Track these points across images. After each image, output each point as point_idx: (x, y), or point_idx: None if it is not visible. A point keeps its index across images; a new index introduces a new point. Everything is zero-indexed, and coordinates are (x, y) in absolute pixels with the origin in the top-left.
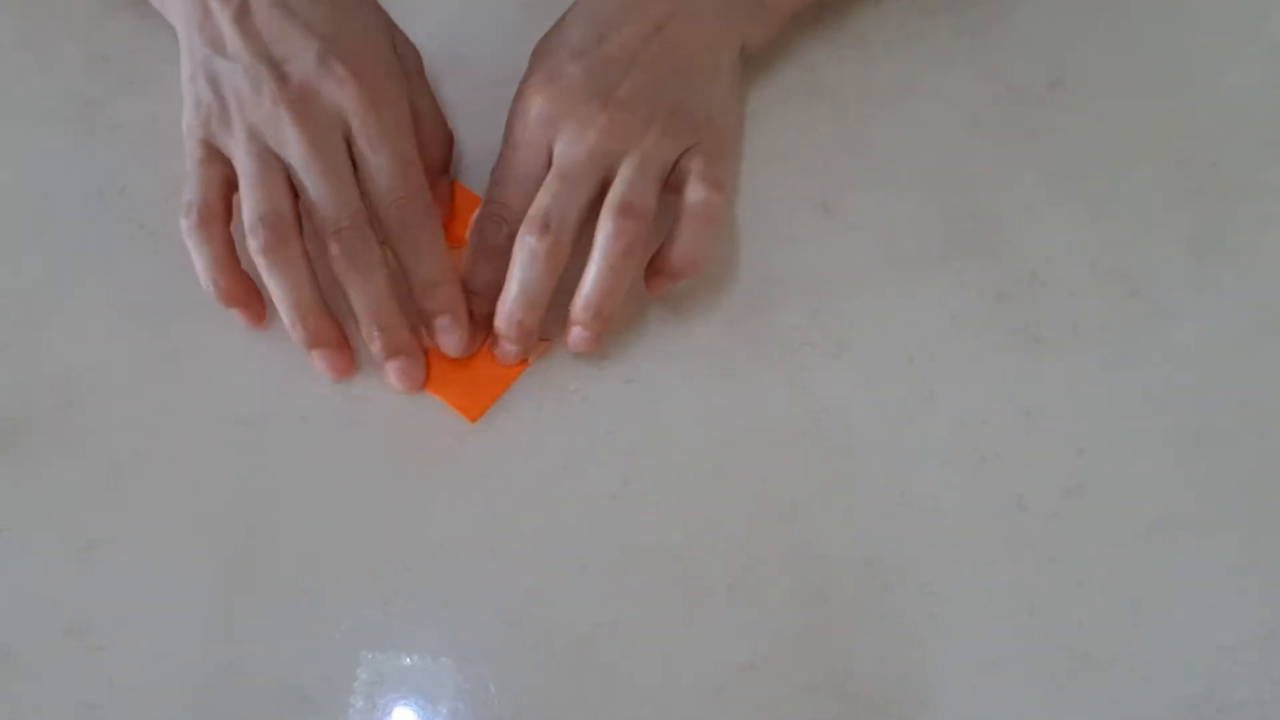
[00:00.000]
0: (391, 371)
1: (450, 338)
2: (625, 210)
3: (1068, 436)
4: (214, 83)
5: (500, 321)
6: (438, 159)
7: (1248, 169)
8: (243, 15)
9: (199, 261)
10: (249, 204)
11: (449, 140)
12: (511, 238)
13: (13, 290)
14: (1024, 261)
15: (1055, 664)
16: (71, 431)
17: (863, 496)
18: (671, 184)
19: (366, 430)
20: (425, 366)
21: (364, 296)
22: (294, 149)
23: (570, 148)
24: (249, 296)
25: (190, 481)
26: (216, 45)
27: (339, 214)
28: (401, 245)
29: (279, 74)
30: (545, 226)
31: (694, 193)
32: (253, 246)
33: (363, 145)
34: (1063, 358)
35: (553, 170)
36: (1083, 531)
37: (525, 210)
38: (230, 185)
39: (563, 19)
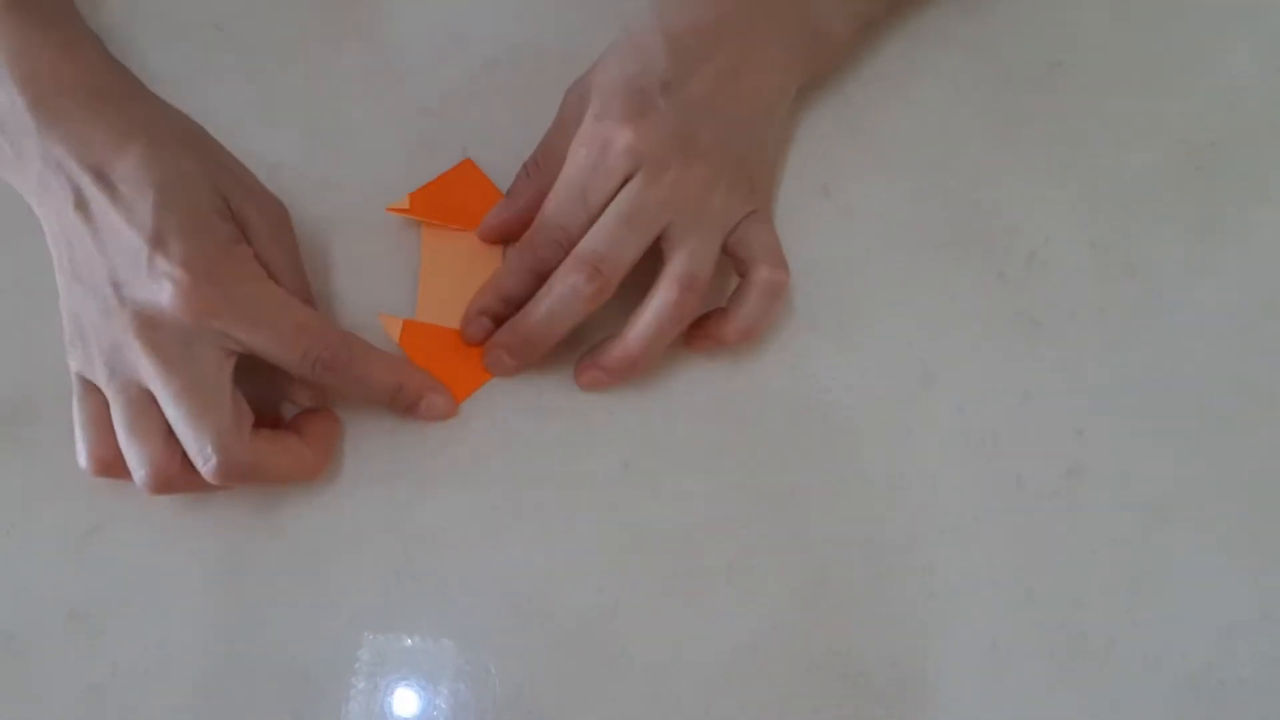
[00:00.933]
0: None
1: (437, 409)
2: (689, 283)
3: (1067, 418)
4: (75, 319)
5: (513, 336)
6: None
7: (1247, 150)
8: (80, 208)
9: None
10: (124, 451)
11: (306, 292)
12: (560, 262)
13: (12, 277)
14: (1023, 243)
15: (1054, 644)
16: (71, 418)
17: (862, 478)
18: (729, 248)
19: (367, 413)
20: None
21: (279, 477)
22: (150, 377)
23: (644, 191)
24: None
25: None
26: (74, 271)
27: (200, 441)
28: (344, 387)
29: (120, 302)
30: (596, 271)
31: (762, 272)
32: (143, 490)
33: (236, 337)
34: (1062, 339)
35: (616, 210)
36: (1082, 512)
37: (581, 236)
38: (110, 419)
39: (637, 37)
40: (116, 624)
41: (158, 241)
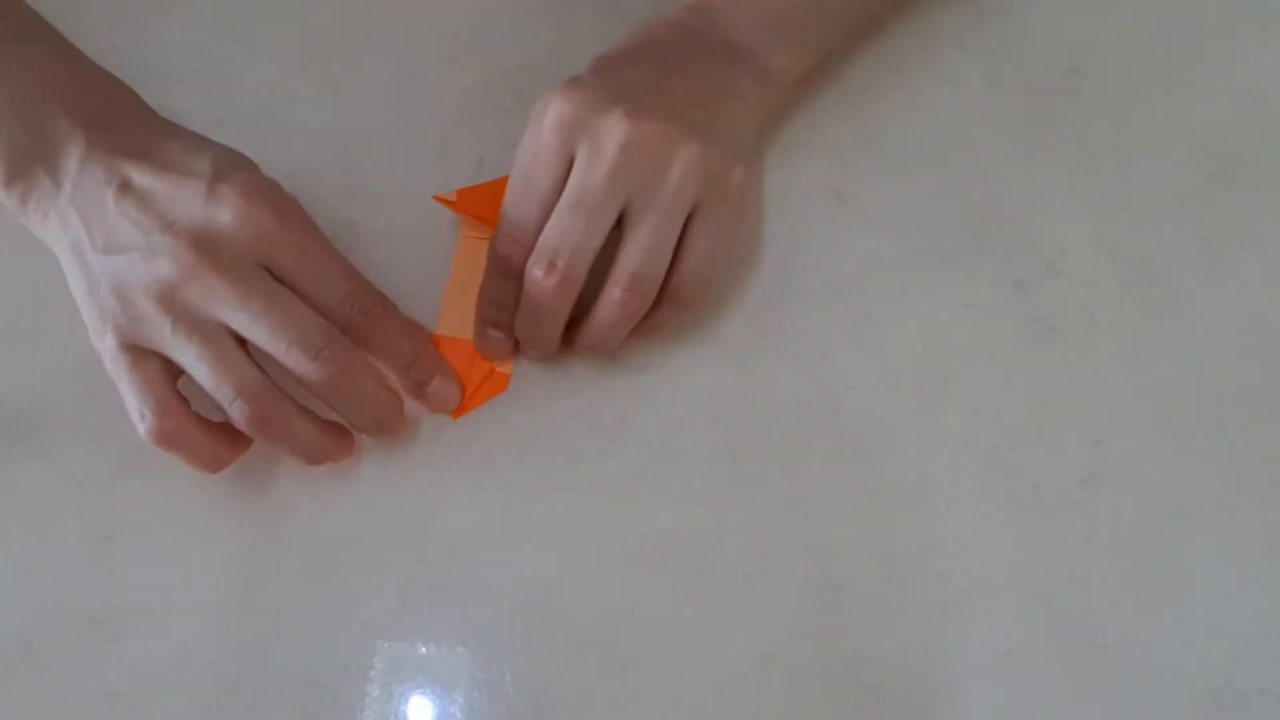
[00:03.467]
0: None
1: (443, 398)
2: (633, 284)
3: (1084, 426)
4: (117, 286)
5: (518, 331)
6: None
7: (1267, 157)
8: (124, 191)
9: (184, 461)
10: (209, 386)
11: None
12: (526, 259)
13: (31, 281)
14: (1040, 250)
15: (1072, 653)
16: (90, 422)
17: (878, 486)
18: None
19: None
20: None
21: (364, 399)
22: (221, 301)
23: (588, 168)
24: (249, 445)
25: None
26: (109, 244)
27: (303, 340)
28: (370, 339)
29: (174, 236)
30: (552, 266)
31: (678, 289)
32: (239, 424)
33: (287, 264)
34: (1079, 347)
35: (566, 195)
36: (1099, 521)
37: (540, 226)
38: (172, 374)
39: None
40: (134, 629)
41: (218, 177)
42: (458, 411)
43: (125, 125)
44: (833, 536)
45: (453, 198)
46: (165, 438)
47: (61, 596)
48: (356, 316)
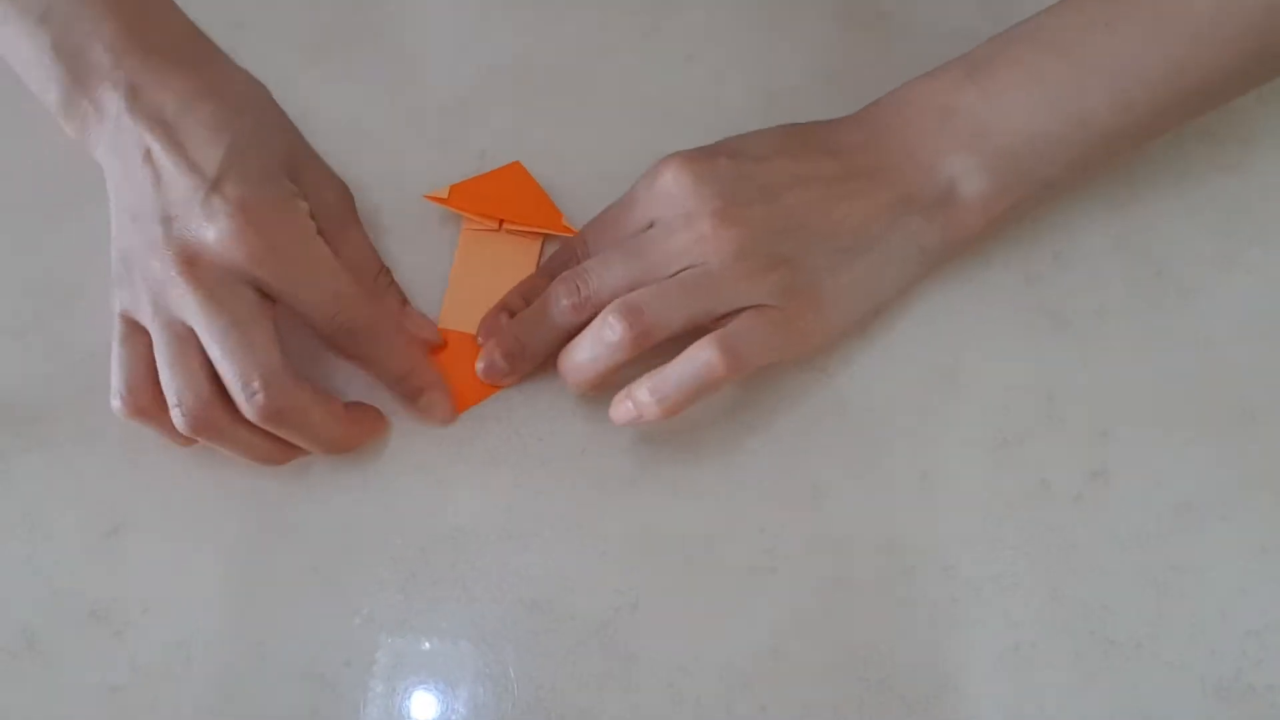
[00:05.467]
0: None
1: (433, 409)
2: (628, 313)
3: (1092, 419)
4: (124, 254)
5: (516, 327)
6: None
7: (1276, 146)
8: (146, 161)
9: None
10: (164, 385)
11: (373, 263)
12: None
13: (34, 276)
14: (1048, 243)
15: (1079, 648)
16: (94, 417)
17: (885, 479)
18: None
19: (387, 414)
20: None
21: (314, 433)
22: (191, 313)
23: (662, 237)
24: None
25: (212, 467)
26: (128, 206)
27: (244, 375)
28: (356, 357)
29: (166, 237)
30: (576, 289)
31: (703, 349)
32: (179, 427)
33: (271, 284)
34: (1087, 339)
35: (630, 243)
36: (1107, 514)
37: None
38: (151, 358)
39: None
40: (136, 624)
41: (216, 185)
42: (460, 406)
43: (170, 64)
44: (839, 530)
45: (445, 194)
46: (135, 411)
47: (64, 591)
48: (342, 337)
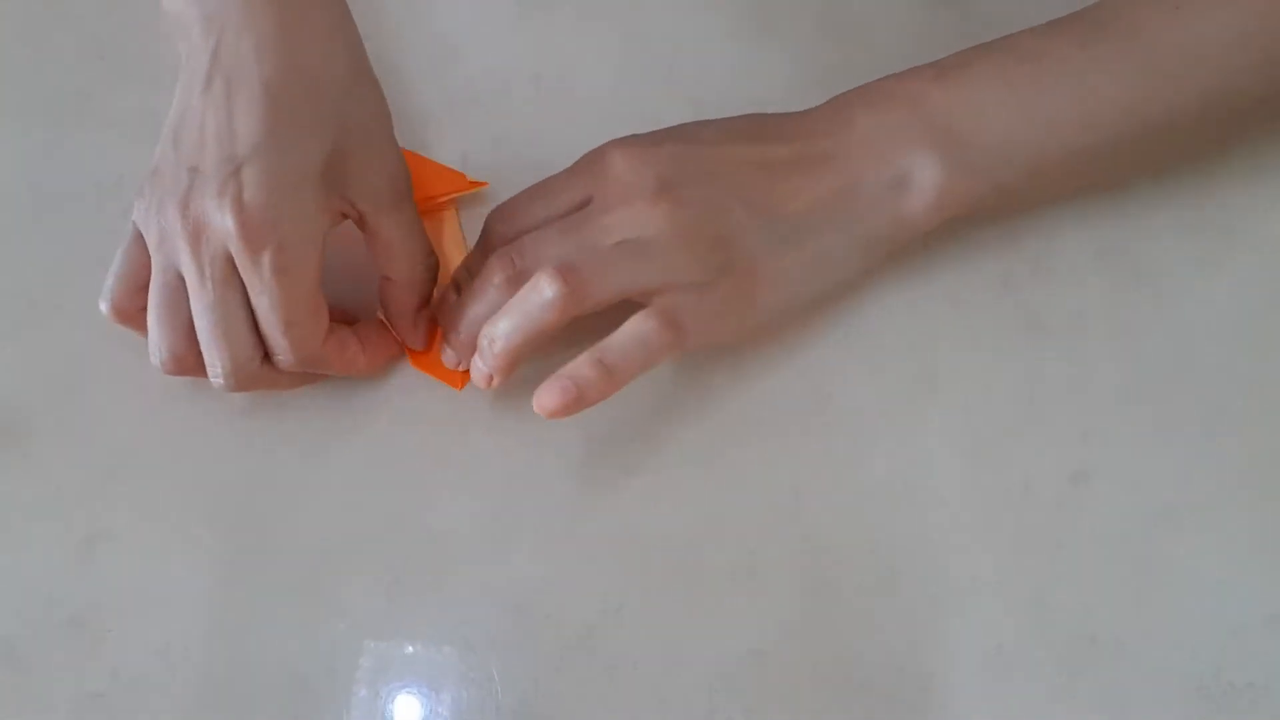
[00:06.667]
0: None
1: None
2: (565, 271)
3: (1073, 422)
4: (157, 170)
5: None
6: (405, 284)
7: (1253, 149)
8: (206, 89)
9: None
10: (149, 326)
11: (421, 253)
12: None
13: (11, 283)
14: (1027, 246)
15: (1062, 649)
16: (72, 423)
17: (867, 482)
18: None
19: (368, 418)
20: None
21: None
22: (185, 276)
23: (592, 210)
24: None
25: (191, 472)
26: (173, 123)
27: (215, 365)
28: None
29: (182, 195)
30: (511, 263)
31: (645, 319)
32: (158, 368)
33: (250, 290)
34: (1067, 342)
35: (564, 222)
36: (1089, 516)
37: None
38: (148, 274)
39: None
40: (117, 631)
41: (239, 169)
42: (461, 382)
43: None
44: (822, 533)
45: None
46: (118, 316)
47: (43, 598)
48: (287, 360)
